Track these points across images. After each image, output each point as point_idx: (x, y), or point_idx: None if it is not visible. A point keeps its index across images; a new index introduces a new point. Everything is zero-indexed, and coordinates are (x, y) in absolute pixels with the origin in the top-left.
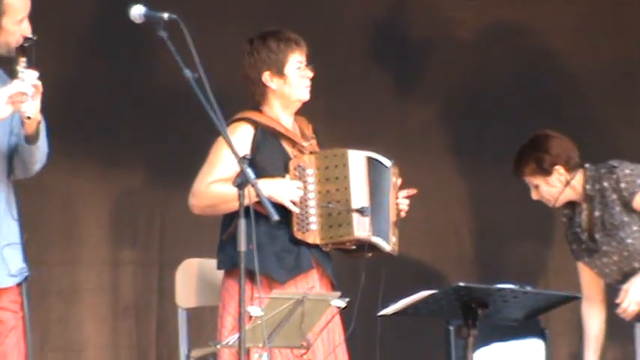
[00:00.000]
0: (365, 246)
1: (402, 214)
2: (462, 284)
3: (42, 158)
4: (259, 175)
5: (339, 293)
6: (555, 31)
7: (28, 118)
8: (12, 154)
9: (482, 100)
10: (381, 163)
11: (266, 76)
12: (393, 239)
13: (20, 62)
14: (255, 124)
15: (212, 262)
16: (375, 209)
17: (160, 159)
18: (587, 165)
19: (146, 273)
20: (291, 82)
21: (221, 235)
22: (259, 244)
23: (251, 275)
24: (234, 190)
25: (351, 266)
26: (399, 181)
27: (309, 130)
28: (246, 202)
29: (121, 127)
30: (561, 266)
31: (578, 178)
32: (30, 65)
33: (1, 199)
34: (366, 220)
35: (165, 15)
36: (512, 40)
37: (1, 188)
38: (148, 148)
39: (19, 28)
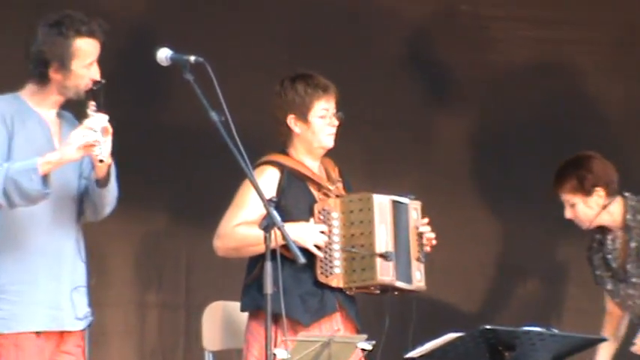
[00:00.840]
0: (389, 289)
1: (427, 248)
2: (488, 327)
3: (112, 201)
4: (284, 218)
5: (365, 336)
6: (585, 70)
7: (101, 161)
8: (82, 197)
9: (508, 140)
10: (400, 202)
11: (291, 120)
12: (418, 276)
13: (90, 106)
14: (281, 167)
15: (238, 305)
16: (398, 252)
17: (186, 200)
18: (627, 194)
19: (172, 315)
20: (315, 129)
21: (246, 278)
22: (284, 286)
23: (275, 318)
24: (259, 233)
25: (377, 308)
26: (425, 220)
27: (335, 173)
28: (272, 244)
29: (147, 167)
30: (586, 308)
31: (617, 205)
32: (99, 108)
33: (71, 242)
34: (390, 264)
35: (192, 58)
36: (539, 80)
37: (71, 231)
38: (174, 190)
39: (88, 72)
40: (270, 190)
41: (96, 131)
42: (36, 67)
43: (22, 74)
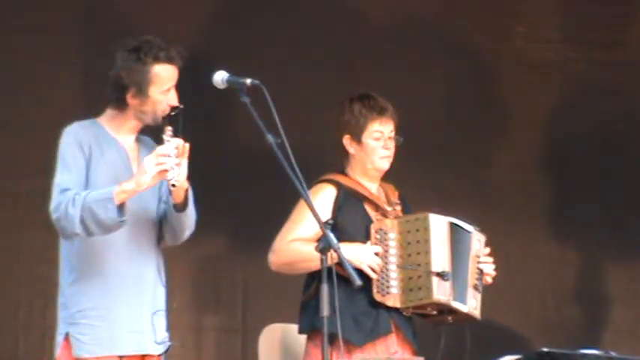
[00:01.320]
0: (445, 310)
1: (489, 279)
2: (545, 349)
3: (191, 225)
4: (340, 236)
5: (422, 358)
6: None
7: (173, 185)
8: (161, 221)
9: (566, 163)
10: (462, 228)
11: (346, 140)
12: (473, 303)
13: (166, 131)
14: (339, 186)
15: (295, 327)
16: (455, 274)
17: (243, 224)
18: None
19: (229, 338)
20: (368, 151)
21: (303, 295)
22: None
23: (332, 339)
24: (313, 250)
25: (433, 329)
26: (487, 250)
27: (394, 197)
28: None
29: (204, 190)
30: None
31: None
32: (177, 134)
33: (151, 266)
34: (447, 284)
35: (248, 80)
36: (596, 103)
37: (151, 255)
38: (231, 213)
39: (165, 98)
40: (326, 208)
41: (169, 156)
42: (114, 92)
43: (68, 98)
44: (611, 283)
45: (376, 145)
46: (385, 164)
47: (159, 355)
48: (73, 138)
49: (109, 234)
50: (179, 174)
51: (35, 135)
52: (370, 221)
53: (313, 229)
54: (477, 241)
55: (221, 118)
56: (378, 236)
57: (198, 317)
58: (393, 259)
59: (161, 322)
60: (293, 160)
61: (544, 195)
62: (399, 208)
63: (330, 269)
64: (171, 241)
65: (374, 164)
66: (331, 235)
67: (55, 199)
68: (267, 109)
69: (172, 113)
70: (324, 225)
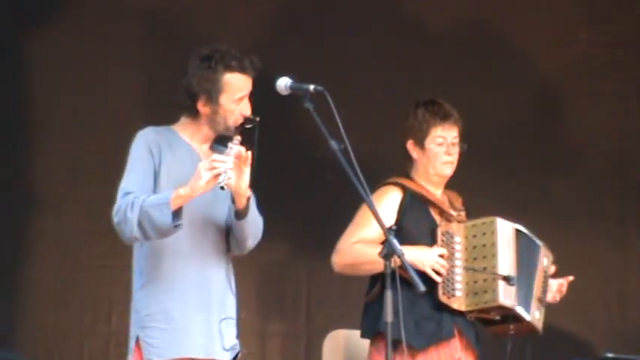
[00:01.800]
0: (509, 317)
1: (557, 297)
2: (610, 355)
3: (255, 233)
4: (404, 239)
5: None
6: None
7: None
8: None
9: (627, 169)
10: (531, 238)
11: (410, 145)
12: (537, 315)
13: (234, 139)
14: (404, 189)
15: (359, 333)
16: (520, 280)
17: (307, 229)
18: None
19: (293, 344)
20: (430, 156)
21: (365, 296)
22: (397, 309)
23: (395, 344)
24: (376, 252)
25: (496, 338)
26: (553, 268)
27: (458, 203)
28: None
29: (267, 196)
30: None
31: None
32: (252, 146)
33: (220, 273)
34: (512, 289)
35: (312, 87)
36: None
37: (221, 262)
38: (295, 218)
39: (237, 107)
40: (391, 211)
41: (224, 162)
42: (185, 100)
43: (128, 107)
44: None
45: (438, 150)
46: (447, 170)
47: None
48: (143, 141)
49: (165, 238)
50: (230, 178)
51: (96, 143)
52: (435, 225)
53: (377, 231)
54: (545, 257)
55: (281, 124)
56: (445, 239)
57: (262, 323)
58: (459, 263)
59: (230, 329)
60: (356, 166)
61: (607, 201)
62: (463, 213)
63: (393, 274)
64: (236, 249)
65: (436, 170)
66: (394, 241)
67: (117, 203)
68: (329, 115)
69: (247, 125)
70: (387, 231)
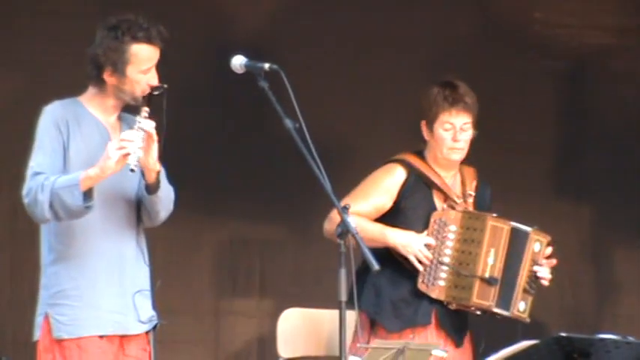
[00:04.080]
0: (491, 313)
1: (545, 282)
2: (563, 334)
3: (166, 207)
4: (398, 220)
5: (441, 343)
6: None
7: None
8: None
9: (582, 151)
10: (520, 230)
11: (423, 125)
12: (521, 306)
13: (142, 111)
14: (410, 169)
15: (313, 312)
16: (505, 279)
17: (261, 208)
18: None
19: (247, 322)
20: (438, 140)
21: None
22: (379, 289)
23: (373, 323)
24: (365, 226)
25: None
26: (549, 250)
27: (471, 186)
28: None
29: (224, 177)
30: None
31: None
32: (160, 114)
33: (131, 246)
34: (492, 289)
35: (267, 65)
36: None
37: (132, 235)
38: (249, 198)
39: (144, 78)
40: (393, 190)
41: (132, 141)
42: (92, 70)
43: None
44: (628, 270)
45: (446, 135)
46: (454, 156)
47: (146, 333)
48: (51, 117)
49: (76, 219)
50: (137, 158)
51: None
52: (434, 210)
53: (373, 205)
54: (538, 242)
55: (248, 103)
56: (436, 226)
57: (215, 301)
58: (449, 252)
59: (144, 301)
60: (312, 146)
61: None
62: (470, 200)
63: (348, 254)
64: (147, 222)
65: (443, 154)
66: (349, 220)
67: (27, 184)
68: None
69: (155, 93)
70: (341, 210)
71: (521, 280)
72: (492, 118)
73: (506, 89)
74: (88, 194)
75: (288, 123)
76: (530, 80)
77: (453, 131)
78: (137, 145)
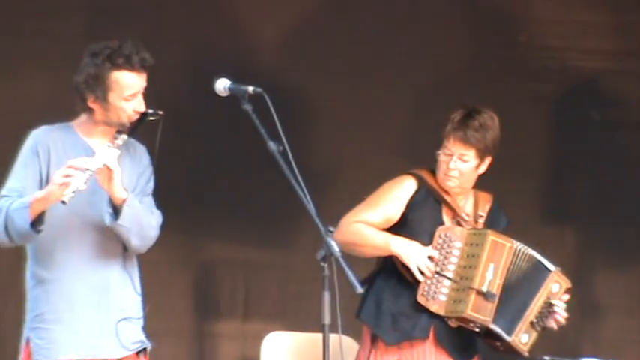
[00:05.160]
0: (492, 333)
1: (553, 324)
2: (547, 358)
3: (138, 234)
4: (403, 231)
5: None
6: None
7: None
8: None
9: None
10: (540, 263)
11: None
12: (524, 338)
13: (114, 138)
14: (421, 182)
15: (297, 335)
16: (507, 299)
17: (244, 229)
18: None
19: (230, 345)
20: (438, 164)
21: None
22: (379, 300)
23: (374, 338)
24: (372, 235)
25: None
26: (566, 297)
27: (484, 208)
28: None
29: (205, 197)
30: None
31: None
32: (154, 140)
33: (115, 271)
34: (489, 305)
35: (250, 88)
36: None
37: (115, 261)
38: (232, 219)
39: (128, 105)
40: (402, 201)
41: (81, 169)
42: (77, 97)
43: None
44: (612, 291)
45: (443, 161)
46: (448, 183)
47: (134, 356)
48: (32, 143)
49: (26, 243)
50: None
51: None
52: (440, 224)
53: (382, 216)
54: (556, 283)
55: (223, 125)
56: (441, 241)
57: (199, 324)
58: (452, 267)
59: (130, 327)
60: (295, 168)
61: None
62: (481, 221)
63: (332, 277)
64: (129, 248)
65: (440, 179)
66: (332, 243)
67: None
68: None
69: (151, 119)
70: (325, 232)
71: (531, 312)
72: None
73: (502, 111)
74: (40, 218)
75: (272, 146)
76: (515, 104)
77: (449, 158)
78: (81, 177)
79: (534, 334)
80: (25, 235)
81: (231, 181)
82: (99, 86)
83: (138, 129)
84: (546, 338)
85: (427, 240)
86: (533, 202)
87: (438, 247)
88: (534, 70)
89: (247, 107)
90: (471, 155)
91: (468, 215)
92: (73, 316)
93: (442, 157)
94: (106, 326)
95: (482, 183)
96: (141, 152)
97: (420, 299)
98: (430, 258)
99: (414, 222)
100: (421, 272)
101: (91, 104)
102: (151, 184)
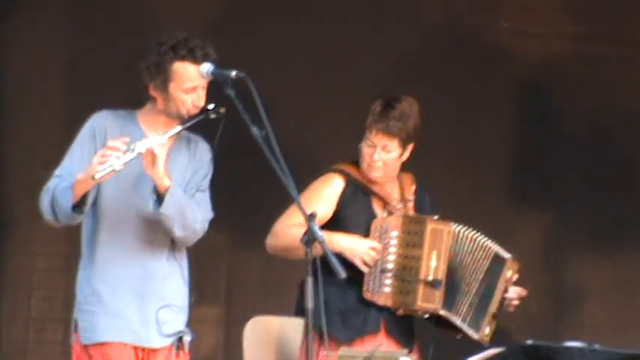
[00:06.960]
0: (439, 318)
1: (511, 309)
2: (530, 342)
3: (182, 225)
4: (341, 229)
5: (406, 350)
6: None
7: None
8: None
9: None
10: (500, 255)
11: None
12: (487, 330)
13: (172, 127)
14: (347, 179)
15: (279, 320)
16: (453, 284)
17: (227, 216)
18: None
19: (213, 330)
20: (361, 157)
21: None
22: (326, 301)
23: (320, 333)
24: None
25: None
26: (515, 277)
27: (409, 190)
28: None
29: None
30: (629, 323)
31: None
32: (214, 140)
33: (159, 260)
34: (437, 292)
35: (234, 73)
36: None
37: (161, 250)
38: (216, 205)
39: (188, 97)
40: (332, 200)
41: (118, 150)
42: (140, 84)
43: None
44: (591, 278)
45: (366, 152)
46: (374, 174)
47: (177, 348)
48: (89, 126)
49: (71, 223)
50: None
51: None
52: (373, 217)
53: (319, 215)
54: (510, 269)
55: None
56: (377, 234)
57: None
58: (392, 257)
59: (171, 316)
60: (279, 154)
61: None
62: (410, 204)
63: (314, 262)
64: (175, 239)
65: (363, 169)
66: (316, 228)
67: (46, 184)
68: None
69: (212, 116)
70: (308, 217)
71: (494, 305)
72: (456, 126)
73: (471, 97)
74: (83, 199)
75: (255, 131)
76: (493, 88)
77: (373, 150)
78: (120, 158)
79: (494, 324)
80: (68, 215)
81: (214, 167)
82: (159, 75)
83: (198, 124)
84: (527, 323)
85: (363, 234)
86: (510, 188)
87: (377, 240)
88: (513, 54)
89: (230, 92)
90: (394, 145)
91: (397, 202)
92: (114, 299)
93: (365, 148)
94: (147, 314)
95: (460, 168)
96: (202, 149)
97: (366, 295)
98: (373, 249)
99: (347, 219)
100: (366, 265)
101: (152, 92)
102: (206, 181)
